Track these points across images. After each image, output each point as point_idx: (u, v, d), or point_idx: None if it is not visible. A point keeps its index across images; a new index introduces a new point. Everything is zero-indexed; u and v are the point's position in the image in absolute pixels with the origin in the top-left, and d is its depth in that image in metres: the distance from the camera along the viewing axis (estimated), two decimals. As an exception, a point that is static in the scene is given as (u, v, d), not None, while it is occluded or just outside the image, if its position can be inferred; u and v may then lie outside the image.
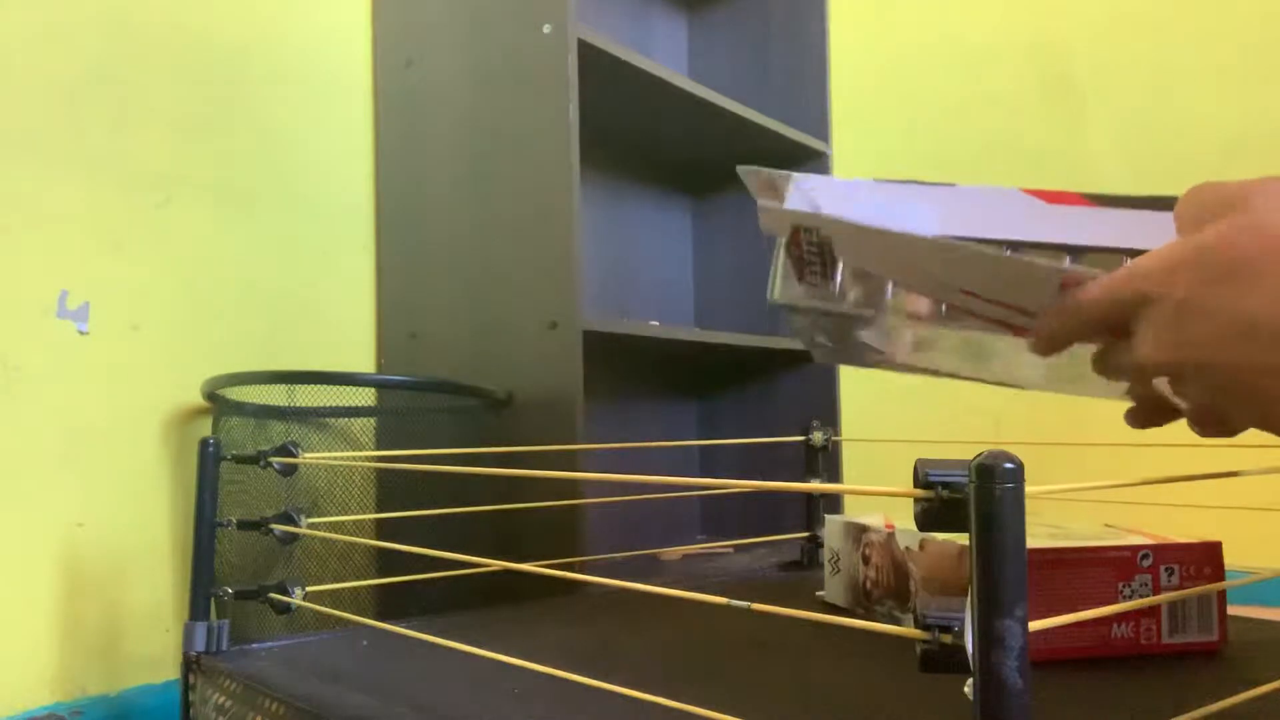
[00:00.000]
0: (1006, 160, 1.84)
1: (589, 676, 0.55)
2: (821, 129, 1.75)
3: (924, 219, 0.53)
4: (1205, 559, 0.73)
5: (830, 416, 1.69)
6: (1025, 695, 0.33)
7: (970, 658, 0.34)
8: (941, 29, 1.92)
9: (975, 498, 0.33)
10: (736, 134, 1.64)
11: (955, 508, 0.36)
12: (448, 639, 0.69)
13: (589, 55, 1.25)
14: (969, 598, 0.34)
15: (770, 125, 1.61)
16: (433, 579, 0.92)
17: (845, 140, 1.87)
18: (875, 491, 0.42)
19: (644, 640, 0.81)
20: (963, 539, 0.34)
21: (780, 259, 0.60)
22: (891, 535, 0.85)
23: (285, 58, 1.35)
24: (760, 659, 0.74)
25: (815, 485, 0.43)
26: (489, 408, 1.21)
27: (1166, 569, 0.72)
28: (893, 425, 1.89)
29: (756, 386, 1.82)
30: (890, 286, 0.56)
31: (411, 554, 0.75)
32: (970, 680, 0.34)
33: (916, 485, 0.38)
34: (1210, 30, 1.63)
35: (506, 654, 0.62)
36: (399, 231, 1.41)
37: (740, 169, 0.59)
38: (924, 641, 0.37)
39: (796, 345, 1.63)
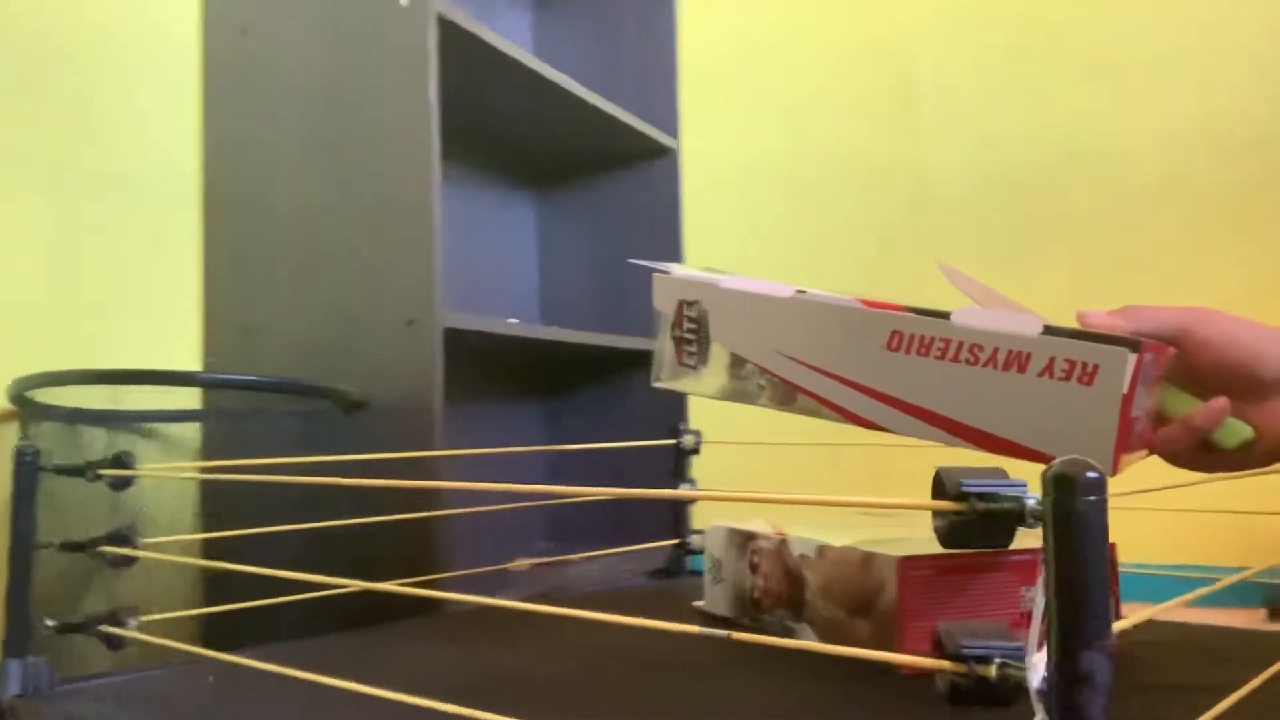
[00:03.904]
0: (851, 165, 1.86)
1: (460, 704, 0.48)
2: (670, 125, 1.74)
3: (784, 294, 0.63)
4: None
5: (679, 417, 1.67)
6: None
7: (1035, 693, 0.30)
8: (790, 29, 1.93)
9: (1053, 514, 0.29)
10: (587, 125, 1.61)
11: (997, 520, 0.32)
12: (302, 669, 0.61)
13: (446, 32, 1.18)
14: (1032, 628, 0.30)
15: (621, 117, 1.58)
16: (283, 603, 0.83)
17: (694, 137, 1.86)
18: (885, 505, 0.37)
19: (512, 660, 0.77)
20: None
21: (664, 343, 0.69)
22: (784, 542, 0.82)
23: (103, 20, 1.22)
24: (643, 675, 0.70)
25: (744, 495, 0.38)
26: (335, 411, 1.11)
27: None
28: (737, 427, 1.89)
29: (602, 387, 1.78)
30: (755, 380, 0.63)
31: (253, 576, 0.67)
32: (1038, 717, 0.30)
33: (944, 496, 0.33)
34: (1052, 39, 1.70)
35: (368, 683, 0.55)
36: (231, 215, 1.29)
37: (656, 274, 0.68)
38: (957, 674, 0.32)
39: (646, 345, 1.60)
